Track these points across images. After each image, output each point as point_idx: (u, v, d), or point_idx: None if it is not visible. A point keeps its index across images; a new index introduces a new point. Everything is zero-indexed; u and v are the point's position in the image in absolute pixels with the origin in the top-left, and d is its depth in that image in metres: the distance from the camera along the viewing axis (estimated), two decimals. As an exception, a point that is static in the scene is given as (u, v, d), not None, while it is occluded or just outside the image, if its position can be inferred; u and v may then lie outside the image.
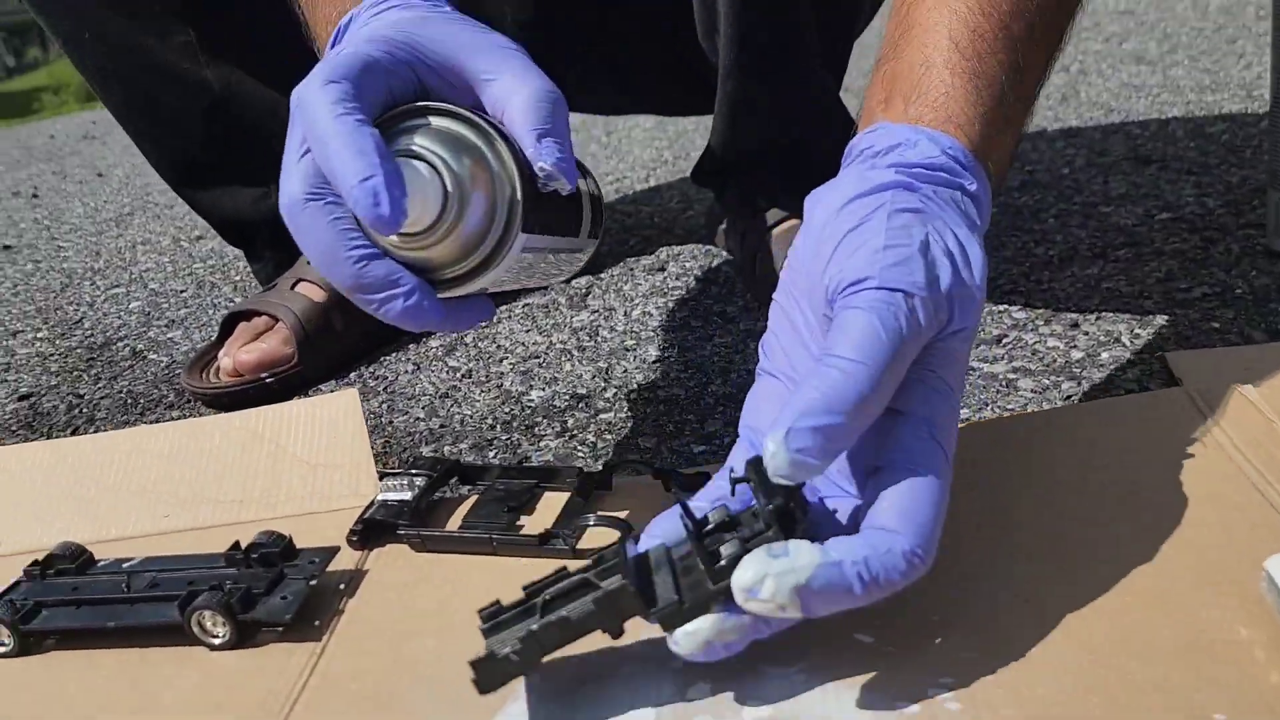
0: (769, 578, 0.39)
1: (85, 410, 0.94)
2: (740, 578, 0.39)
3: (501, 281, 0.49)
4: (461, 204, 0.45)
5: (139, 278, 1.37)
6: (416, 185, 0.44)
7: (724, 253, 1.08)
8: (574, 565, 0.45)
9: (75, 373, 1.04)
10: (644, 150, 1.68)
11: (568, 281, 1.05)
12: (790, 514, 0.41)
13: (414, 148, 0.45)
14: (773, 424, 0.40)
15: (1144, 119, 1.33)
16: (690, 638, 0.40)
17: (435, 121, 0.46)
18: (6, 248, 1.70)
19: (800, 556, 0.39)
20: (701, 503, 0.46)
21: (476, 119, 0.46)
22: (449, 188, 0.45)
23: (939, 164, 0.46)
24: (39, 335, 1.18)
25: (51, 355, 1.10)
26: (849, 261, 0.43)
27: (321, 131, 0.43)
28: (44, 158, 2.85)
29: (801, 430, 0.39)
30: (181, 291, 1.27)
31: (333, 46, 0.53)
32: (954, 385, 0.44)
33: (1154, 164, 1.12)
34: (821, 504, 0.46)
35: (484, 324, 0.51)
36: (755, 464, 0.43)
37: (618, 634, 0.43)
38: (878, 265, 0.42)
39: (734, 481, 0.44)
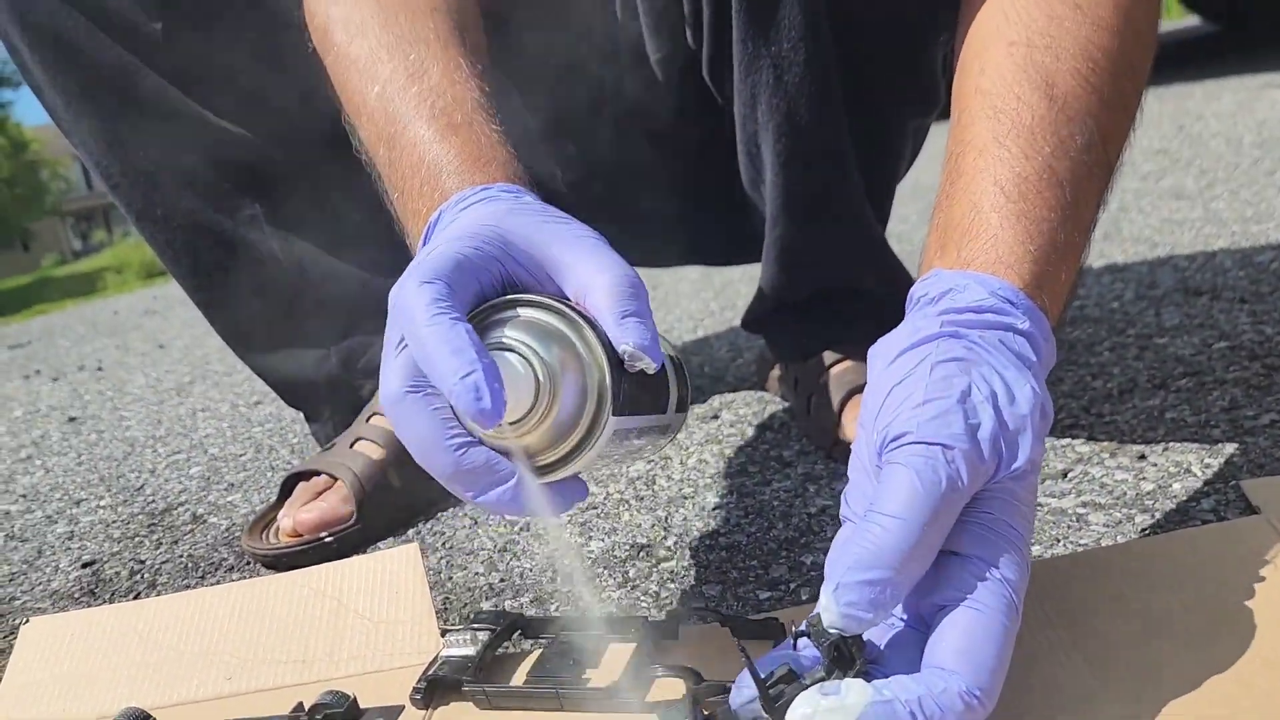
0: (818, 714, 0.38)
1: (147, 575, 0.94)
2: (791, 715, 0.39)
3: (596, 464, 0.50)
4: (554, 392, 0.47)
5: (199, 444, 1.40)
6: (511, 377, 0.46)
7: (776, 398, 1.08)
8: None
9: (137, 538, 1.04)
10: (691, 302, 1.70)
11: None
12: (847, 654, 0.42)
13: (505, 340, 0.47)
14: (825, 578, 0.42)
15: (1190, 252, 1.33)
16: None
17: (524, 313, 0.48)
18: (72, 419, 1.74)
19: (851, 694, 0.39)
20: (774, 654, 0.45)
21: (563, 307, 0.48)
22: (540, 378, 0.47)
23: (987, 305, 0.48)
24: (101, 503, 1.20)
25: (114, 522, 1.11)
26: (893, 417, 0.45)
27: (419, 331, 0.45)
28: (108, 333, 2.94)
29: (849, 585, 0.41)
30: (240, 455, 1.29)
31: (425, 242, 0.55)
32: (1017, 526, 0.43)
33: (1205, 294, 1.12)
34: (894, 643, 0.45)
35: (580, 505, 0.52)
36: (815, 617, 0.44)
37: None
38: (916, 420, 0.44)
39: (795, 635, 0.44)
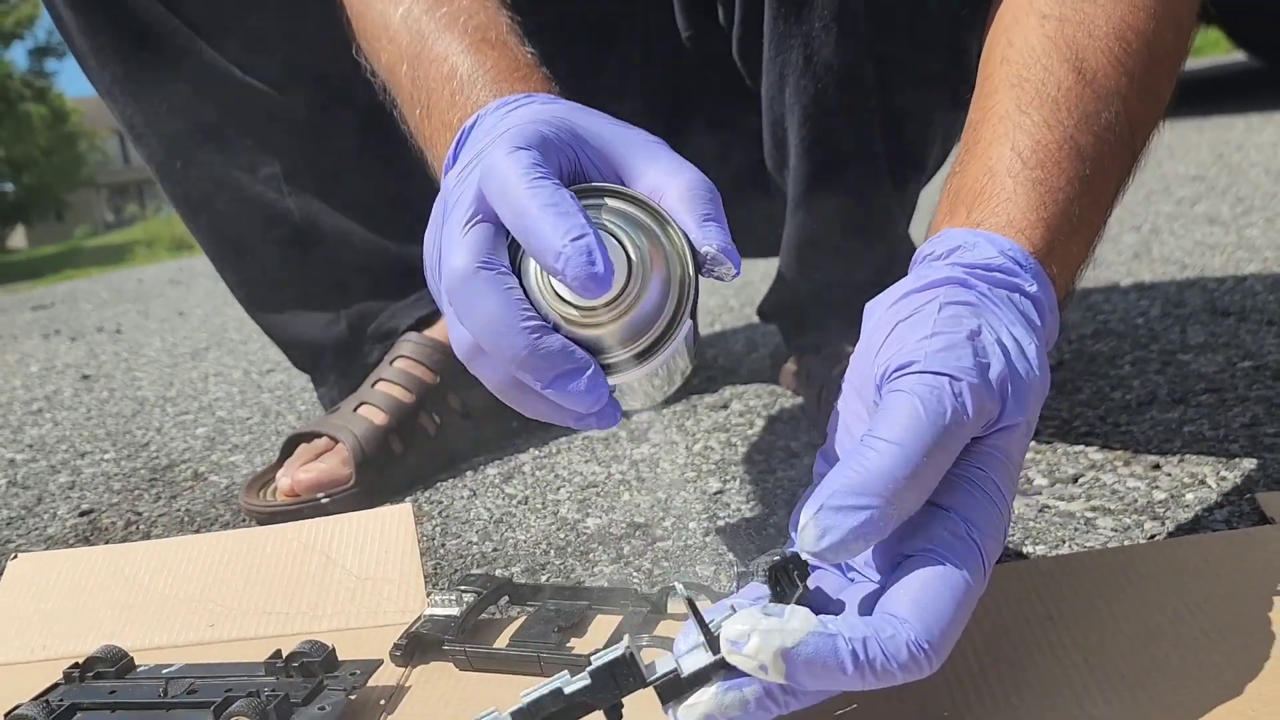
0: (756, 633, 0.37)
1: (142, 527, 0.93)
2: (729, 628, 0.38)
3: (647, 380, 0.48)
4: (644, 280, 0.45)
5: (208, 406, 1.39)
6: (613, 257, 0.43)
7: (789, 393, 1.06)
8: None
9: (136, 491, 1.04)
10: (710, 298, 1.69)
11: (627, 414, 1.04)
12: (788, 579, 0.40)
13: (603, 221, 0.45)
14: (808, 500, 0.39)
15: (1220, 275, 1.31)
16: (690, 710, 0.39)
17: (611, 202, 0.46)
18: (85, 377, 1.74)
19: (793, 620, 0.38)
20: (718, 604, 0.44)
21: (648, 202, 0.46)
22: (634, 262, 0.44)
23: (996, 264, 0.46)
24: (105, 456, 1.20)
25: (115, 475, 1.11)
26: (897, 349, 0.43)
27: (517, 194, 0.42)
28: (131, 299, 2.96)
29: (833, 508, 0.39)
30: (247, 419, 1.29)
31: (456, 149, 0.52)
32: (1002, 486, 0.42)
33: (1232, 315, 1.10)
34: (845, 589, 0.44)
35: (611, 428, 0.50)
36: (768, 556, 0.42)
37: (617, 715, 0.41)
38: (924, 350, 0.42)
39: (739, 577, 0.43)
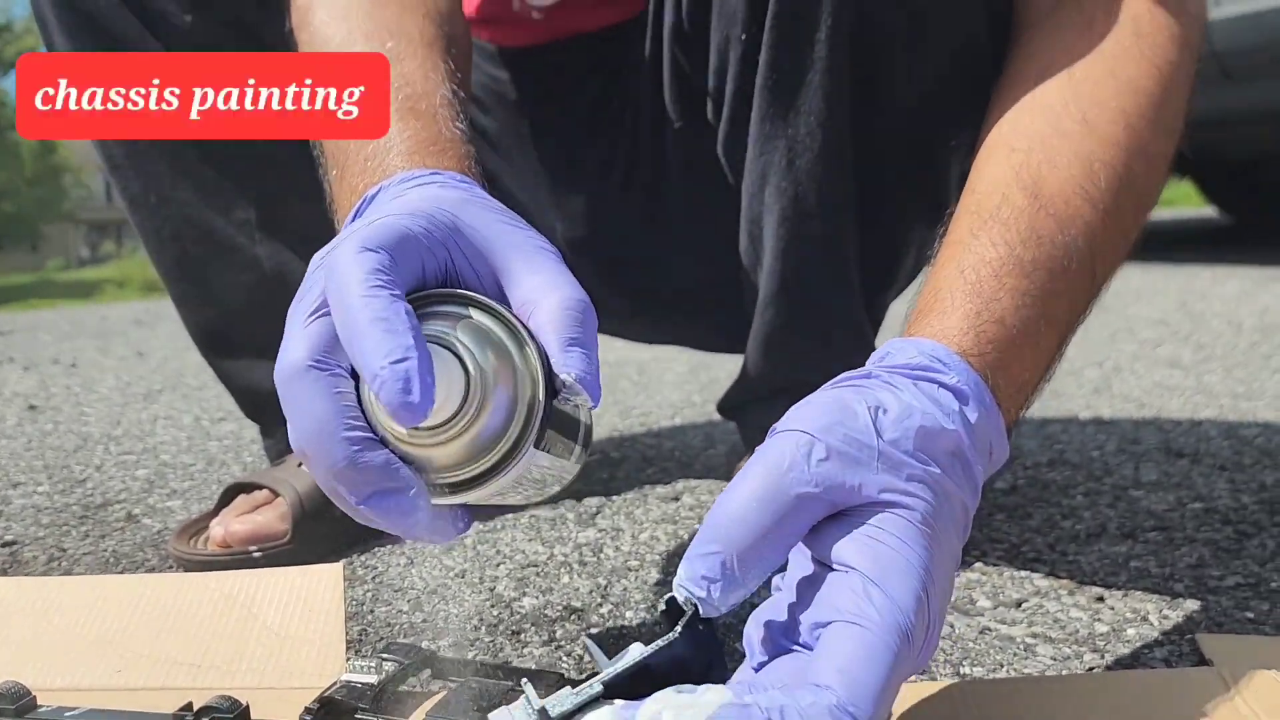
0: (668, 710, 0.36)
1: (65, 564, 0.90)
2: (643, 711, 0.37)
3: (493, 496, 0.45)
4: (482, 404, 0.42)
5: (153, 448, 1.37)
6: (442, 379, 0.41)
7: (741, 490, 1.05)
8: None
9: (65, 527, 1.01)
10: (674, 392, 1.68)
11: (577, 497, 1.03)
12: (676, 611, 0.42)
13: (441, 334, 0.43)
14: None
15: (1177, 417, 1.32)
16: None
17: (464, 311, 0.44)
18: (32, 407, 1.71)
19: (707, 694, 0.37)
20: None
21: (509, 317, 0.44)
22: (473, 385, 0.42)
23: (914, 363, 0.47)
24: (39, 489, 1.17)
25: (46, 509, 1.08)
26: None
27: (350, 301, 0.40)
28: (92, 335, 2.92)
29: (691, 558, 0.42)
30: (191, 465, 1.26)
31: (355, 217, 0.51)
32: (913, 552, 0.41)
33: (1186, 457, 1.10)
34: (782, 669, 0.43)
35: (463, 537, 0.49)
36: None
37: None
38: (793, 416, 0.44)
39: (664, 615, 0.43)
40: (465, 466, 0.43)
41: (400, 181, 0.51)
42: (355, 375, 0.42)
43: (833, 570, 0.41)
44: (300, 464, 0.92)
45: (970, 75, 0.71)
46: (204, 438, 1.42)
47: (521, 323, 0.44)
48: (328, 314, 0.42)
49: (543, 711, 0.39)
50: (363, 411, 0.42)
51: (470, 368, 0.42)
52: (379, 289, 0.40)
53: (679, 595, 0.42)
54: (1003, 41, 0.68)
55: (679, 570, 0.42)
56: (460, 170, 0.54)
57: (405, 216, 0.44)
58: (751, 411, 0.98)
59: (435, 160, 0.55)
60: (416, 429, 0.41)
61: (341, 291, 0.41)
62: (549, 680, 0.58)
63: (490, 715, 0.41)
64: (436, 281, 0.45)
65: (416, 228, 0.44)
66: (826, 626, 0.39)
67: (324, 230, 0.96)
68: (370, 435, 0.41)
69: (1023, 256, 0.51)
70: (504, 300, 0.46)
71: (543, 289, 0.45)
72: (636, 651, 0.42)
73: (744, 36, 0.74)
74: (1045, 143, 0.56)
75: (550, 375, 0.43)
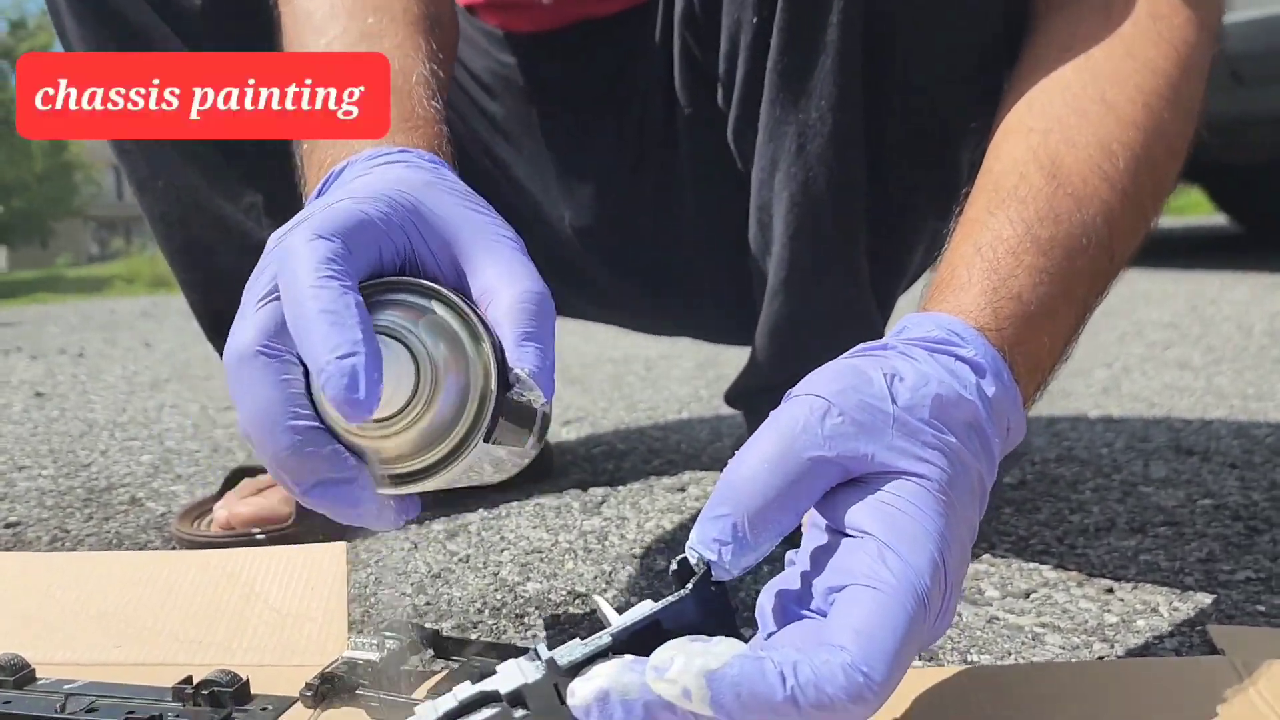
0: (680, 655, 0.36)
1: (68, 544, 0.90)
2: (655, 656, 0.37)
3: (442, 486, 0.45)
4: (431, 398, 0.41)
5: (158, 435, 1.36)
6: (392, 369, 0.40)
7: (748, 482, 1.04)
8: None
9: (68, 510, 1.01)
10: (681, 387, 1.68)
11: (583, 486, 1.02)
12: (686, 571, 0.41)
13: (393, 325, 0.42)
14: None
15: (1187, 416, 1.31)
16: (586, 684, 0.37)
17: (420, 301, 0.43)
18: (39, 394, 1.71)
19: (720, 645, 0.36)
20: None
21: (464, 308, 0.43)
22: (422, 378, 0.41)
23: (933, 336, 0.46)
24: (43, 472, 1.16)
25: (50, 491, 1.08)
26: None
27: (300, 291, 0.39)
28: (100, 327, 2.92)
29: (703, 521, 0.41)
30: (196, 451, 1.26)
31: (319, 193, 0.51)
32: (929, 517, 0.40)
33: (1196, 455, 1.09)
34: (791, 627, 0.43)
35: (406, 522, 0.48)
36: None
37: None
38: (809, 381, 0.43)
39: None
40: (414, 458, 0.42)
41: (367, 158, 0.51)
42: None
43: (847, 536, 0.40)
44: (305, 448, 0.91)
45: (985, 60, 0.71)
46: (210, 425, 1.42)
47: (478, 314, 0.43)
48: (279, 298, 0.41)
49: (551, 662, 0.39)
50: (310, 400, 0.41)
51: (420, 360, 0.41)
52: (329, 279, 0.39)
53: (690, 558, 0.41)
54: (1018, 25, 0.67)
55: (691, 534, 0.41)
56: (430, 149, 0.53)
57: (365, 200, 0.43)
58: (759, 401, 0.97)
59: (405, 138, 0.54)
60: (365, 421, 0.40)
61: (292, 280, 0.40)
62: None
63: (499, 667, 0.40)
64: (394, 268, 0.44)
65: (375, 212, 0.43)
66: (841, 591, 0.39)
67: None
68: (317, 425, 0.41)
69: (1040, 235, 0.50)
70: (463, 289, 0.46)
71: (502, 280, 0.45)
72: (646, 607, 0.41)
73: (755, 20, 0.74)
74: (1063, 123, 0.55)
75: (504, 369, 0.43)
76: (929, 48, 0.73)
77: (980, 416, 0.44)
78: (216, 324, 0.99)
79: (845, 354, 0.46)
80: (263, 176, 0.94)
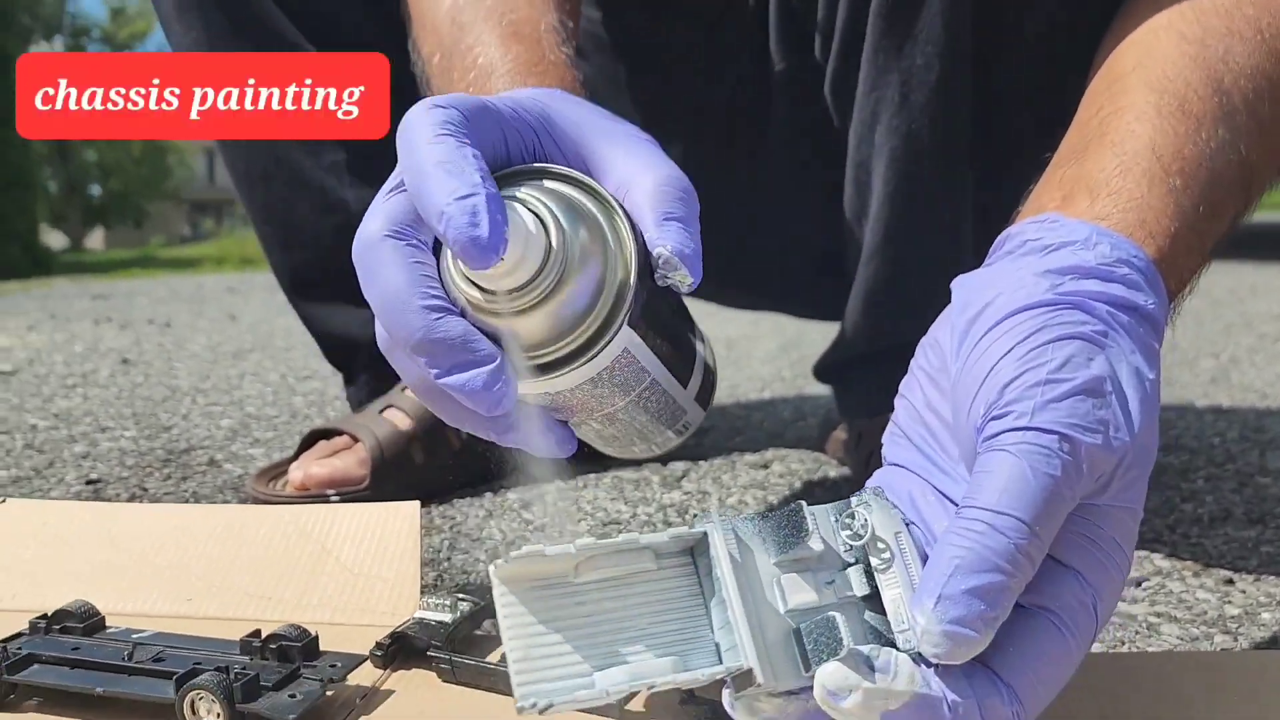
0: (860, 692, 0.32)
1: (145, 502, 0.90)
2: (827, 677, 0.33)
3: (591, 399, 0.42)
4: (565, 267, 0.38)
5: (238, 401, 1.37)
6: (519, 230, 0.37)
7: (834, 461, 1.01)
8: None
9: (148, 469, 1.00)
10: (763, 366, 1.64)
11: (663, 460, 0.99)
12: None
13: (523, 196, 0.40)
14: (914, 596, 0.34)
15: (1302, 408, 1.24)
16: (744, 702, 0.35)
17: (551, 184, 0.41)
18: (125, 361, 1.73)
19: (899, 679, 0.33)
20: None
21: (598, 188, 0.41)
22: (554, 244, 0.38)
23: (1118, 274, 0.40)
24: (126, 434, 1.17)
25: (131, 452, 1.08)
26: (999, 393, 0.37)
27: (416, 150, 0.38)
28: (187, 300, 2.97)
29: (953, 597, 0.33)
30: (275, 417, 1.26)
31: None
32: (1125, 547, 0.36)
33: (1317, 447, 1.03)
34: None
35: (564, 457, 0.44)
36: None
37: None
38: (1033, 402, 0.36)
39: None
40: (551, 345, 0.39)
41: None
42: (436, 251, 0.40)
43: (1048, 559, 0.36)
44: (382, 411, 0.90)
45: (1106, 5, 0.65)
46: (289, 393, 1.42)
47: (613, 196, 0.41)
48: (406, 189, 0.39)
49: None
50: (443, 284, 0.39)
51: (552, 227, 0.39)
52: (445, 137, 0.38)
53: (938, 649, 0.34)
54: None
55: (933, 623, 0.33)
56: (564, 88, 0.51)
57: (499, 98, 0.42)
58: (848, 374, 0.94)
59: (538, 81, 0.52)
60: (494, 294, 0.38)
61: (410, 142, 0.38)
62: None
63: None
64: (520, 161, 0.42)
65: (501, 104, 0.41)
66: (1028, 614, 0.36)
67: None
68: (449, 305, 0.39)
69: (1214, 164, 0.45)
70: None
71: (638, 170, 0.42)
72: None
73: (859, -39, 0.70)
74: (1222, 40, 0.49)
75: (644, 249, 0.40)
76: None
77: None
78: (295, 282, 0.99)
79: (1012, 298, 0.39)
80: (347, 135, 0.93)
